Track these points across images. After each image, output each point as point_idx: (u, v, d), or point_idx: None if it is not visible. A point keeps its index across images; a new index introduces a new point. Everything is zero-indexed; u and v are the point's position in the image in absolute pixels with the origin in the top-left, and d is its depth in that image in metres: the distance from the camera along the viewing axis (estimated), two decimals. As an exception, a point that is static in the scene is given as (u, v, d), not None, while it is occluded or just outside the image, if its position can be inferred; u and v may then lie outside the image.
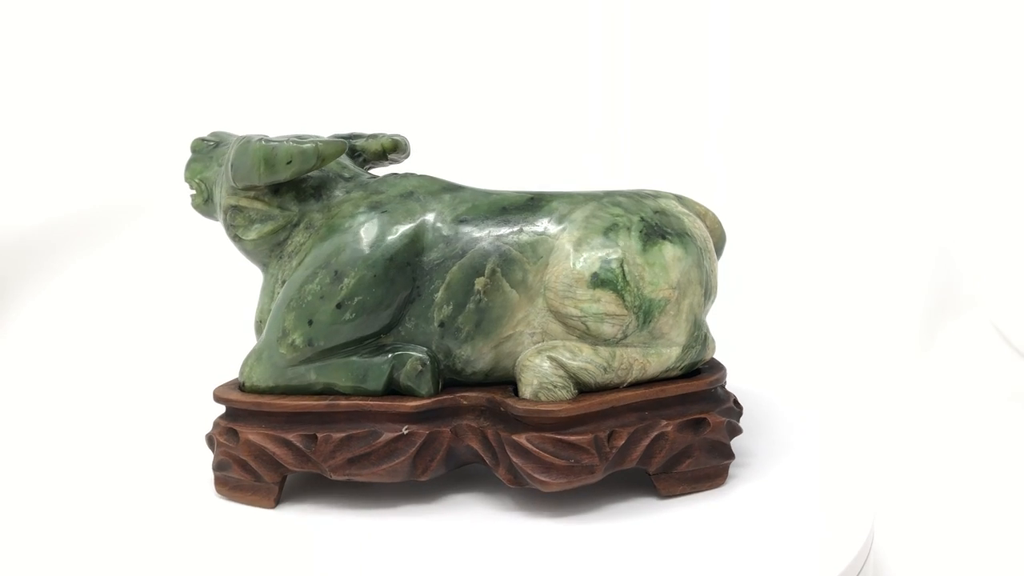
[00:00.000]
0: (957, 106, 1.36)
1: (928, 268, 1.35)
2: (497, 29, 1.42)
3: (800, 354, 1.21)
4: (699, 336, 0.68)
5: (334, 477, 0.66)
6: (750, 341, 1.14)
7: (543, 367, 0.65)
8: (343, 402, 0.66)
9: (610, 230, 0.66)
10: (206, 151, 0.76)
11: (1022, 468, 0.89)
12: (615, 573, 0.57)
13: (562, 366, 0.65)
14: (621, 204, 0.69)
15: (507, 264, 0.66)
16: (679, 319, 0.67)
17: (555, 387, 0.65)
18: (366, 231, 0.67)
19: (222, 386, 0.71)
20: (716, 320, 0.80)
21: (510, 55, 1.41)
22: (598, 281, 0.64)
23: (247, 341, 0.75)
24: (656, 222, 0.68)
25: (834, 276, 1.35)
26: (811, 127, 1.40)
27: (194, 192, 0.76)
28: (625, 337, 0.65)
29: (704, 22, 1.40)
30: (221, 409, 0.71)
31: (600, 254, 0.65)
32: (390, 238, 0.66)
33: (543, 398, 0.64)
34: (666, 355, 0.67)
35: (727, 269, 0.87)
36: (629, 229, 0.66)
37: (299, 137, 0.68)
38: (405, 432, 0.66)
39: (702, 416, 0.68)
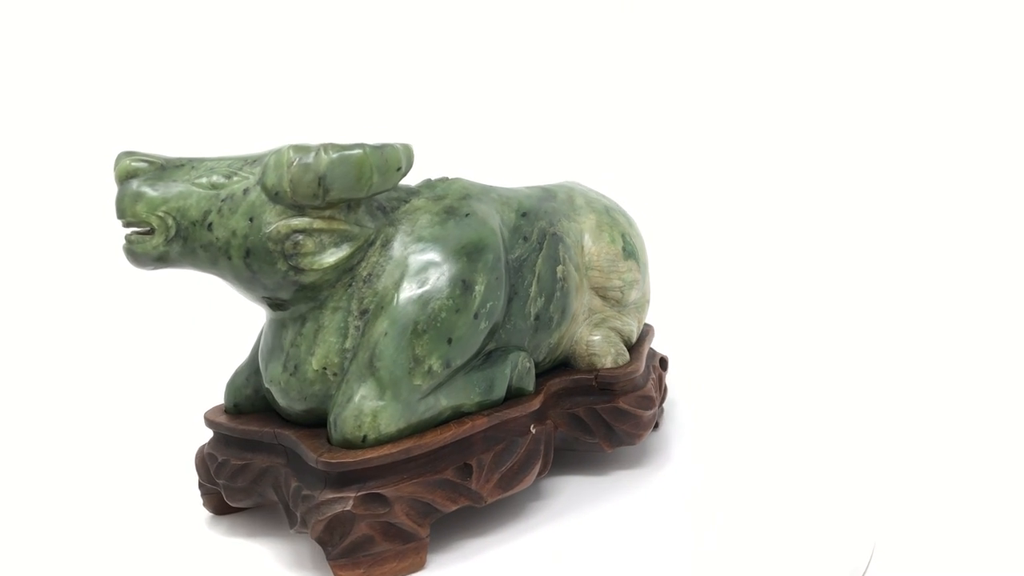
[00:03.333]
0: (955, 116, 1.42)
1: (929, 272, 1.33)
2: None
3: (794, 361, 1.14)
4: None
5: (488, 501, 0.60)
6: (755, 341, 1.19)
7: (609, 338, 0.71)
8: (481, 419, 0.60)
9: (608, 211, 0.75)
10: (153, 176, 0.56)
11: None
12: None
13: (619, 332, 0.72)
14: (586, 191, 0.77)
15: (567, 250, 0.69)
16: (648, 280, 0.80)
17: (623, 353, 0.72)
18: (469, 236, 0.62)
19: (327, 453, 0.55)
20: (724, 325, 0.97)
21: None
22: (626, 254, 0.73)
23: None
24: (612, 202, 0.79)
25: (831, 278, 1.35)
26: (810, 142, 1.46)
27: (151, 228, 0.56)
28: (635, 300, 0.76)
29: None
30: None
31: (618, 231, 0.74)
32: (491, 240, 0.63)
33: (620, 363, 0.71)
34: (645, 311, 0.79)
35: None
36: (614, 209, 0.76)
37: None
38: (534, 432, 0.64)
39: (664, 356, 0.82)
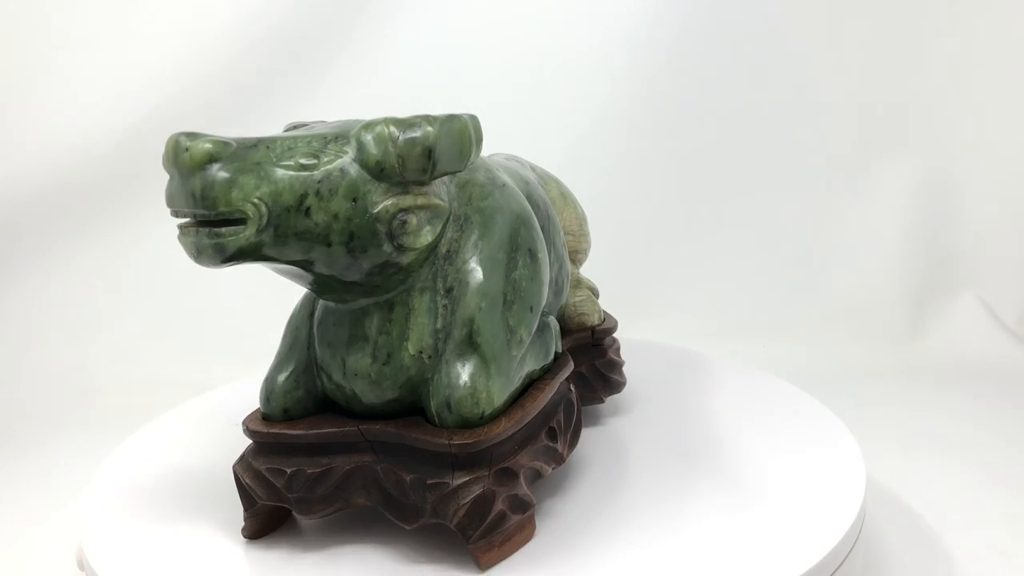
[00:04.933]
0: (944, 81, 1.38)
1: (919, 246, 1.36)
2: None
3: (787, 333, 1.19)
4: None
5: (566, 459, 0.62)
6: (753, 320, 1.17)
7: (590, 297, 0.75)
8: (551, 383, 0.61)
9: (557, 180, 0.78)
10: (235, 159, 0.49)
11: (1013, 445, 0.88)
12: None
13: (592, 290, 0.76)
14: (528, 162, 0.79)
15: (557, 218, 0.71)
16: None
17: (600, 310, 0.76)
18: (516, 207, 0.62)
19: (458, 435, 0.53)
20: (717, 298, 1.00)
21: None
22: (584, 217, 0.77)
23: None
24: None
25: (823, 253, 1.34)
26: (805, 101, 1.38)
27: (245, 216, 0.49)
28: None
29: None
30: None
31: (572, 198, 0.77)
32: (529, 208, 0.63)
33: (603, 319, 0.75)
34: (581, 271, 0.84)
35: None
36: (557, 178, 0.79)
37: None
38: (572, 390, 0.66)
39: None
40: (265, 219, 0.49)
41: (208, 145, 0.48)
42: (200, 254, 0.49)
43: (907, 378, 1.05)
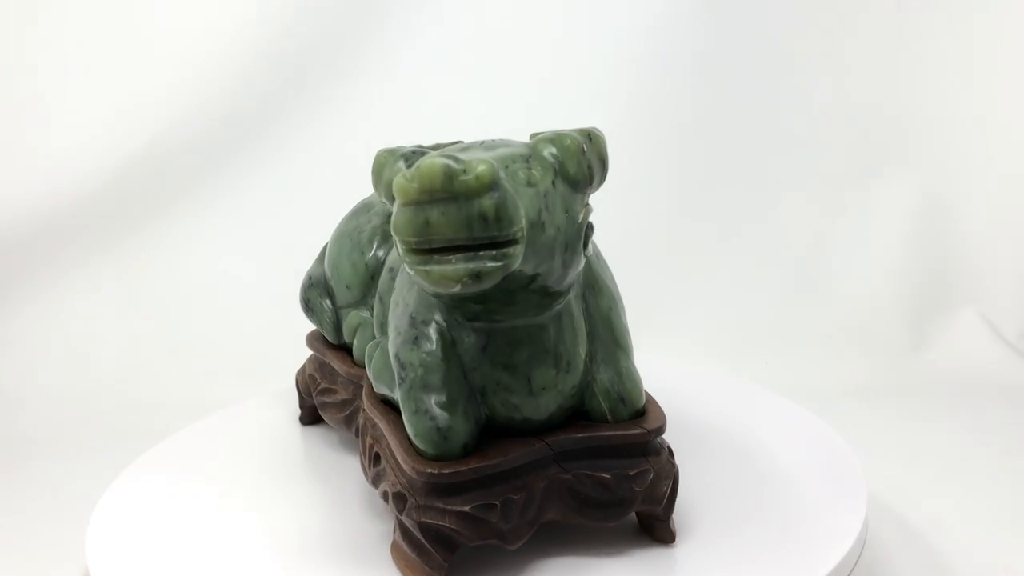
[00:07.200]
0: (949, 94, 1.36)
1: (920, 261, 1.33)
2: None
3: (788, 350, 1.12)
4: None
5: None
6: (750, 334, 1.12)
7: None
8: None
9: None
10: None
11: (1015, 460, 0.86)
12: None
13: None
14: None
15: None
16: None
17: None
18: None
19: (644, 423, 0.57)
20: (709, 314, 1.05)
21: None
22: None
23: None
24: None
25: (823, 268, 1.32)
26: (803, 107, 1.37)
27: (521, 235, 0.47)
28: None
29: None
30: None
31: None
32: None
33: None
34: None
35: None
36: None
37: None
38: None
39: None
40: (525, 236, 0.48)
41: (486, 166, 0.45)
42: (479, 278, 0.46)
43: (908, 394, 1.06)
